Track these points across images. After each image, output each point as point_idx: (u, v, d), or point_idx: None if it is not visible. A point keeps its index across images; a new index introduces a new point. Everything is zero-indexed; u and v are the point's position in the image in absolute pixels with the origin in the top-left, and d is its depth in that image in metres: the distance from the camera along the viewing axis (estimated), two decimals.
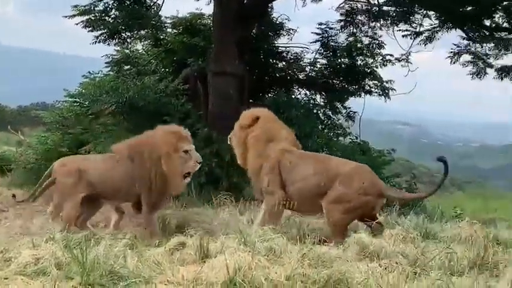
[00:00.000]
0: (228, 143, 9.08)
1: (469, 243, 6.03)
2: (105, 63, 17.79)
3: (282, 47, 17.63)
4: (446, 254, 5.84)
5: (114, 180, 8.62)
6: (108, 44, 16.29)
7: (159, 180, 8.36)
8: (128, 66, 17.85)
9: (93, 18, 15.36)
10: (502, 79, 17.55)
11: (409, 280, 5.07)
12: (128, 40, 16.83)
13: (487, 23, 16.72)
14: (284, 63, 17.65)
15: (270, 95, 16.91)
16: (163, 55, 17.27)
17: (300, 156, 8.45)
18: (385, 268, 5.62)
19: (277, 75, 17.48)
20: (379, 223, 7.95)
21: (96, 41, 15.91)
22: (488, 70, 17.52)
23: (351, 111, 17.47)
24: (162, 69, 17.45)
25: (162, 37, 17.54)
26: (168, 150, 8.35)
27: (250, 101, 15.61)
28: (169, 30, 17.62)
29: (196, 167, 8.56)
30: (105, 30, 15.72)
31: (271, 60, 17.46)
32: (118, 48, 17.68)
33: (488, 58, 17.24)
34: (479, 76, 17.60)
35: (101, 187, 8.64)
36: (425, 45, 16.94)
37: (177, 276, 5.23)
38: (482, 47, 17.05)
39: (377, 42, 17.39)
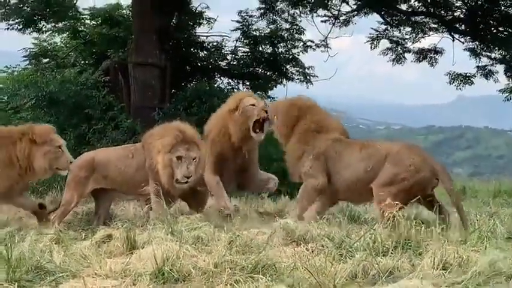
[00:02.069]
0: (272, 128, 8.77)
1: (392, 224, 6.12)
2: (23, 56, 17.47)
3: (202, 36, 17.62)
4: (371, 235, 5.94)
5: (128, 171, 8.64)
6: (23, 33, 15.98)
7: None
8: (47, 59, 17.59)
9: (8, 11, 15.15)
10: (419, 62, 18.04)
11: (335, 262, 5.14)
12: (44, 29, 16.57)
13: (404, 7, 17.11)
14: (205, 52, 17.62)
15: (191, 84, 16.84)
16: (83, 47, 17.07)
17: (346, 145, 8.20)
18: (312, 251, 5.70)
19: (199, 64, 17.47)
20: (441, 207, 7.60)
21: (9, 28, 15.58)
22: (406, 54, 17.97)
23: (274, 99, 17.60)
24: (82, 62, 17.28)
25: (80, 29, 17.31)
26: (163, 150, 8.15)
27: (173, 91, 15.57)
28: (87, 21, 17.39)
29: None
30: (21, 19, 15.47)
31: (192, 49, 17.42)
32: (36, 41, 17.39)
33: (406, 42, 17.65)
34: (399, 62, 18.03)
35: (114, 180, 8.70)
36: (340, 28, 17.28)
37: (105, 269, 5.17)
38: (399, 31, 17.44)
39: (297, 28, 17.54)
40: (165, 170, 8.03)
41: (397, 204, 7.04)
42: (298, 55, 17.57)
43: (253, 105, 8.63)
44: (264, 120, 8.59)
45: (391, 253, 5.57)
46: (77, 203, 8.72)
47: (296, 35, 17.51)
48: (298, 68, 17.55)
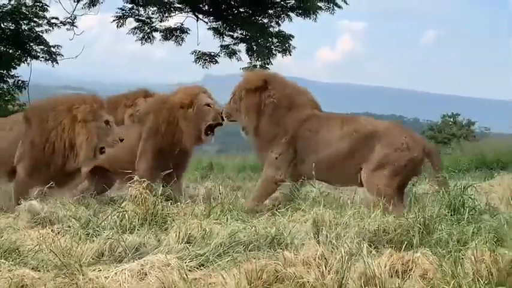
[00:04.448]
0: (223, 116, 8.00)
1: (140, 201, 6.19)
2: None
3: None
4: (118, 213, 5.98)
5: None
6: None
7: None
8: None
9: None
10: (167, 41, 18.30)
11: (82, 242, 5.12)
12: None
13: None
14: None
15: None
16: None
17: (322, 120, 7.55)
18: (58, 233, 5.62)
19: None
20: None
21: None
22: (155, 33, 18.13)
23: (19, 80, 16.97)
24: None
25: None
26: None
27: None
28: None
29: None
30: None
31: None
32: None
33: (153, 21, 17.81)
34: (147, 40, 18.14)
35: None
36: (89, 8, 17.02)
37: None
38: (145, 10, 17.53)
39: (40, 5, 17.01)
40: (92, 139, 7.41)
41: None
42: (42, 33, 17.09)
43: (209, 105, 8.11)
44: (218, 125, 8.12)
45: (138, 230, 5.66)
46: None
47: (40, 12, 16.98)
48: (42, 46, 17.07)
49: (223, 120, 8.03)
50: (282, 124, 7.54)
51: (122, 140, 7.57)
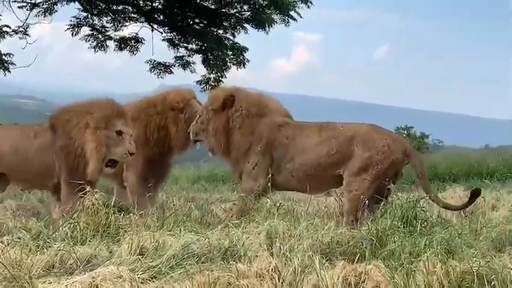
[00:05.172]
0: (191, 135, 7.80)
1: (92, 212, 6.11)
2: None
3: None
4: (70, 224, 5.90)
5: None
6: None
7: None
8: None
9: None
10: (121, 50, 18.14)
11: (32, 254, 5.04)
12: None
13: None
14: None
15: None
16: None
17: (297, 127, 7.38)
18: (7, 244, 5.51)
19: None
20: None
21: None
22: (109, 42, 17.98)
23: None
24: None
25: None
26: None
27: None
28: None
29: None
30: None
31: None
32: None
33: (107, 30, 17.68)
34: (101, 49, 17.96)
35: None
36: (44, 16, 16.83)
37: None
38: (100, 19, 17.39)
39: None
40: (100, 148, 7.02)
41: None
42: None
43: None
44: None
45: (90, 241, 5.59)
46: None
47: None
48: None
49: None
50: (256, 132, 7.40)
51: (131, 154, 7.21)
